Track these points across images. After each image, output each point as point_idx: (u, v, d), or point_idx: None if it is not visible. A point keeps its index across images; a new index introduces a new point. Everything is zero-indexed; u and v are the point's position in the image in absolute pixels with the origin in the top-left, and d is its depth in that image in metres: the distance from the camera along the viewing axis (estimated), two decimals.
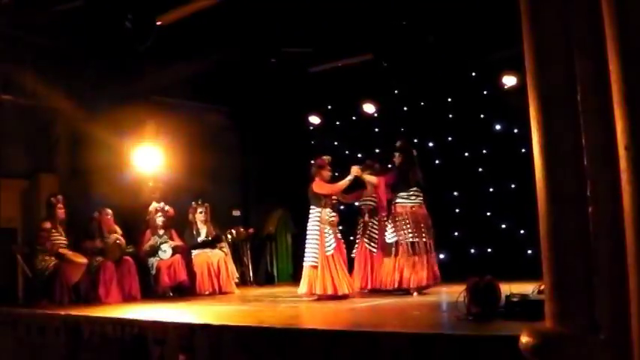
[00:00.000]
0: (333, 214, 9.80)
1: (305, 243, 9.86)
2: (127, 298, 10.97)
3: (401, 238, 9.74)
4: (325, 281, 9.48)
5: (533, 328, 3.67)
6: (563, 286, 3.47)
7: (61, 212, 11.03)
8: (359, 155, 11.72)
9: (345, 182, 9.86)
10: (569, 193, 3.43)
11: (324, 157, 10.09)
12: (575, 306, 3.42)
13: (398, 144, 10.24)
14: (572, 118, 3.44)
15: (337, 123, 14.88)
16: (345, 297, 9.44)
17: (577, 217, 3.39)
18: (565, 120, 3.49)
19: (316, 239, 9.64)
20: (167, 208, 11.98)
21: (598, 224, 3.33)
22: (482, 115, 12.81)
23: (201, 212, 12.23)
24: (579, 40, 3.49)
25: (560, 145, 3.48)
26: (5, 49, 11.17)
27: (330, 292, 9.45)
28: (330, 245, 9.59)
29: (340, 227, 10.25)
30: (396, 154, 10.13)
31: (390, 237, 9.90)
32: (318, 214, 9.75)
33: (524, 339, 3.59)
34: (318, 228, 9.69)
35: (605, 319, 3.29)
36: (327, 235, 9.63)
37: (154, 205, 11.96)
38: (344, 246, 9.93)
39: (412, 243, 9.69)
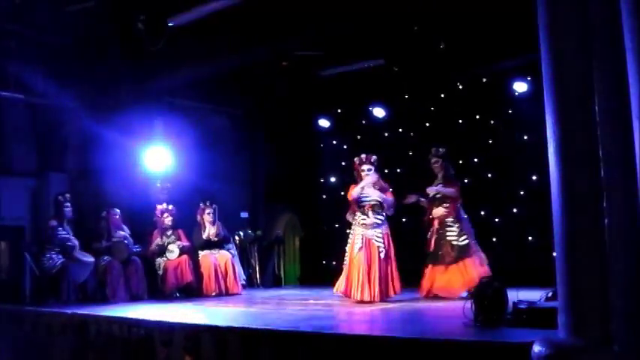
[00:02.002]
0: (363, 217, 9.59)
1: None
2: (134, 298, 10.99)
3: (471, 239, 9.93)
4: (346, 282, 9.48)
5: (546, 339, 3.65)
6: (577, 297, 3.44)
7: (68, 211, 11.05)
8: None
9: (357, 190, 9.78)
10: (585, 203, 3.40)
11: (356, 158, 10.01)
12: (589, 317, 3.39)
13: (440, 151, 10.27)
14: (590, 125, 3.41)
15: (347, 127, 14.85)
16: (361, 302, 9.25)
17: (593, 226, 3.37)
18: (582, 128, 3.46)
19: (349, 240, 9.68)
20: (171, 207, 11.97)
21: (614, 235, 3.30)
22: (492, 122, 12.77)
23: (209, 213, 12.21)
24: (597, 50, 3.46)
25: (577, 155, 3.45)
26: (17, 48, 11.20)
27: (347, 293, 9.42)
28: (357, 248, 9.50)
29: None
30: (439, 160, 10.21)
31: (461, 239, 9.90)
32: (356, 217, 9.73)
33: (537, 348, 3.57)
34: (352, 230, 9.72)
35: (619, 331, 3.26)
36: (357, 237, 9.56)
37: (160, 206, 11.97)
38: (377, 250, 9.46)
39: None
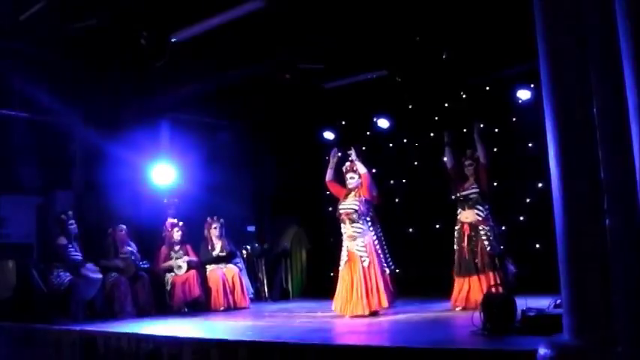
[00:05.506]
0: (344, 228, 9.48)
1: None
2: (142, 314, 10.99)
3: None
4: (336, 299, 9.43)
5: (551, 341, 3.66)
6: (581, 299, 3.46)
7: (73, 228, 11.06)
8: (373, 170, 11.66)
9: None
10: (586, 208, 3.41)
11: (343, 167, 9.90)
12: (592, 319, 3.41)
13: (475, 154, 9.80)
14: (589, 129, 3.43)
15: (351, 138, 14.85)
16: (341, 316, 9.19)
17: (594, 228, 3.38)
18: (581, 132, 3.48)
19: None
20: (181, 223, 11.99)
21: (616, 236, 3.31)
22: (496, 130, 12.76)
23: (216, 227, 12.25)
24: (594, 55, 3.49)
25: (577, 160, 3.47)
26: (21, 66, 11.24)
27: (338, 310, 9.36)
28: (342, 262, 9.45)
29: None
30: (474, 164, 9.75)
31: (495, 247, 9.30)
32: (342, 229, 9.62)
33: (542, 351, 3.58)
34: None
35: (622, 332, 3.28)
36: (343, 251, 9.50)
37: (169, 221, 11.99)
38: (360, 260, 9.22)
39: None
